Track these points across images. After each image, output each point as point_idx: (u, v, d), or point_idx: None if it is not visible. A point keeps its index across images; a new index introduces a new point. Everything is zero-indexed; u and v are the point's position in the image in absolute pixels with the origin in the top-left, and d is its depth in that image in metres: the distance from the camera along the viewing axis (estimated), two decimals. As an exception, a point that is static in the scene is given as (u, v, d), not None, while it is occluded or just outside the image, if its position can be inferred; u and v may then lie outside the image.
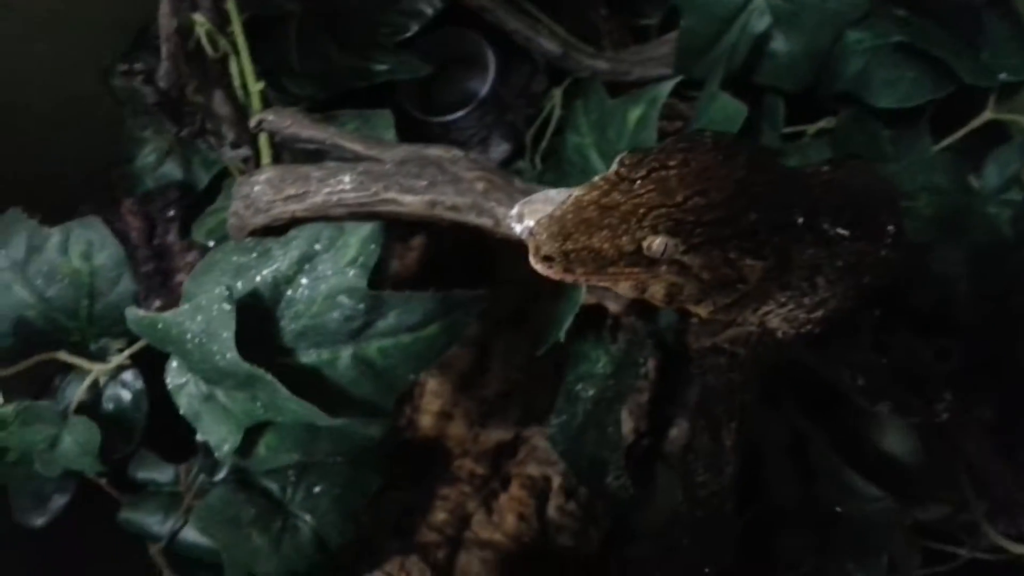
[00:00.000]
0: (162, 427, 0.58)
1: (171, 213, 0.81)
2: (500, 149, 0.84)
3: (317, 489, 0.61)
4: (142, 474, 0.67)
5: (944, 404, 0.49)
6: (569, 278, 0.36)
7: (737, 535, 0.54)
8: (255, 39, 0.67)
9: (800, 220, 0.37)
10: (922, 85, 0.56)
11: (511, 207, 0.43)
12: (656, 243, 0.34)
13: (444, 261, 0.72)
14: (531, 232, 0.35)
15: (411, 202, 0.44)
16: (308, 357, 0.50)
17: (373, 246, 0.47)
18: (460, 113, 0.82)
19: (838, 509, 0.49)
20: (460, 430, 0.70)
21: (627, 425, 0.62)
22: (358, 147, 0.46)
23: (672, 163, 0.35)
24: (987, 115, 0.56)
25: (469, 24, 0.81)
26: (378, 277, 0.48)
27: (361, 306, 0.48)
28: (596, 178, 0.36)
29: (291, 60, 0.72)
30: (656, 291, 0.37)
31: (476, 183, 0.44)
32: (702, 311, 0.39)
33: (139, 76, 0.50)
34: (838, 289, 0.40)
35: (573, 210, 0.35)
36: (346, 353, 0.50)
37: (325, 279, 0.48)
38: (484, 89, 0.83)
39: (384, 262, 0.67)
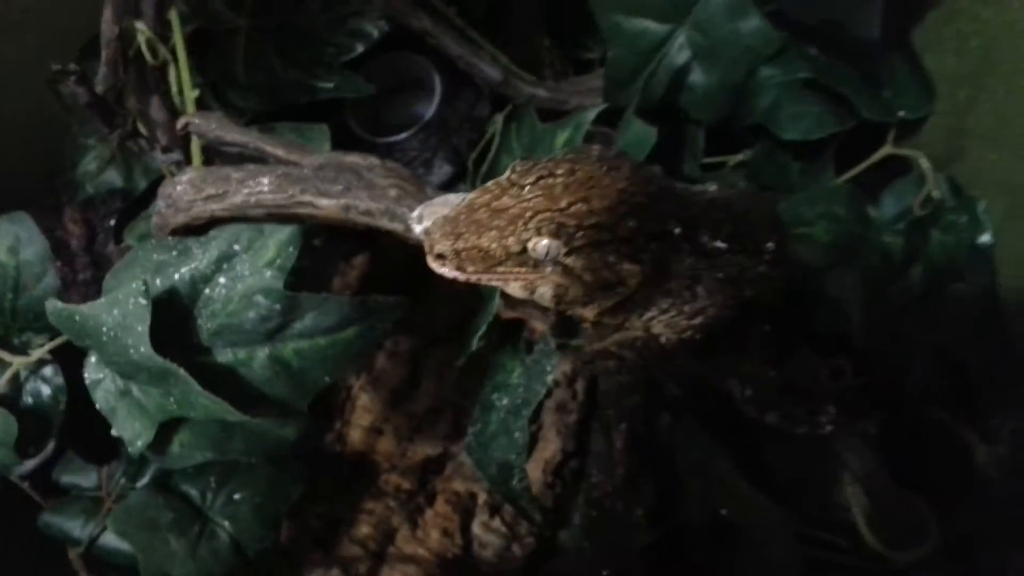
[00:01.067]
0: (87, 428, 0.59)
1: (112, 222, 0.82)
2: (443, 171, 0.86)
3: (237, 496, 0.62)
4: (65, 478, 0.68)
5: (828, 417, 0.51)
6: (462, 276, 0.38)
7: (647, 544, 0.56)
8: (202, 51, 0.69)
9: (677, 231, 0.40)
10: (825, 120, 0.59)
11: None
12: (540, 244, 0.37)
13: (384, 280, 0.74)
14: (427, 232, 0.38)
15: (326, 206, 0.46)
16: (224, 356, 0.51)
17: (291, 249, 0.49)
18: (404, 135, 0.85)
19: (723, 511, 0.51)
20: (389, 445, 0.72)
21: (553, 445, 0.64)
22: (279, 152, 0.48)
23: (559, 171, 0.38)
24: (886, 150, 0.60)
25: (417, 49, 0.84)
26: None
27: (277, 306, 0.50)
28: (489, 183, 0.38)
29: (237, 72, 0.74)
30: (544, 292, 0.39)
31: (389, 189, 0.46)
32: (589, 313, 0.41)
33: (72, 76, 0.51)
34: (717, 299, 0.43)
35: (466, 212, 0.37)
36: (262, 353, 0.51)
37: (242, 279, 0.49)
38: (429, 113, 0.86)
39: (327, 279, 0.69)
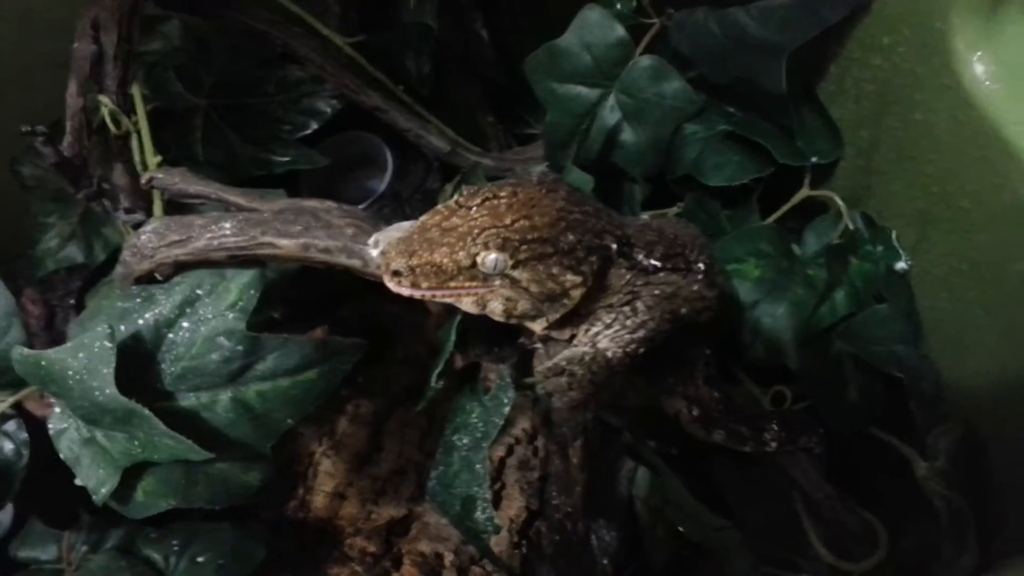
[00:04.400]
0: (48, 492, 0.59)
1: (72, 300, 0.84)
2: None
3: (201, 559, 0.61)
4: (23, 553, 0.67)
5: (772, 435, 0.55)
6: (417, 293, 0.41)
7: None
8: (161, 128, 0.73)
9: (614, 246, 0.44)
10: (746, 166, 0.65)
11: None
12: (488, 258, 0.40)
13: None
14: (383, 252, 0.41)
15: (286, 245, 0.49)
16: (187, 400, 0.53)
17: (253, 291, 0.51)
18: (359, 207, 0.88)
19: (680, 529, 0.53)
20: (353, 509, 0.72)
21: (517, 503, 0.65)
22: (240, 200, 0.51)
23: (503, 194, 0.42)
24: (804, 192, 0.65)
25: (368, 126, 0.89)
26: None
27: (240, 348, 0.52)
28: (438, 206, 0.42)
29: (195, 150, 0.78)
30: (495, 307, 0.42)
31: (346, 228, 0.49)
32: (538, 327, 0.44)
33: (41, 137, 0.54)
34: (656, 314, 0.46)
35: (418, 232, 0.41)
36: (224, 396, 0.53)
37: (205, 322, 0.51)
38: (382, 186, 0.90)
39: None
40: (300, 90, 0.85)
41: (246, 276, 0.52)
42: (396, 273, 0.41)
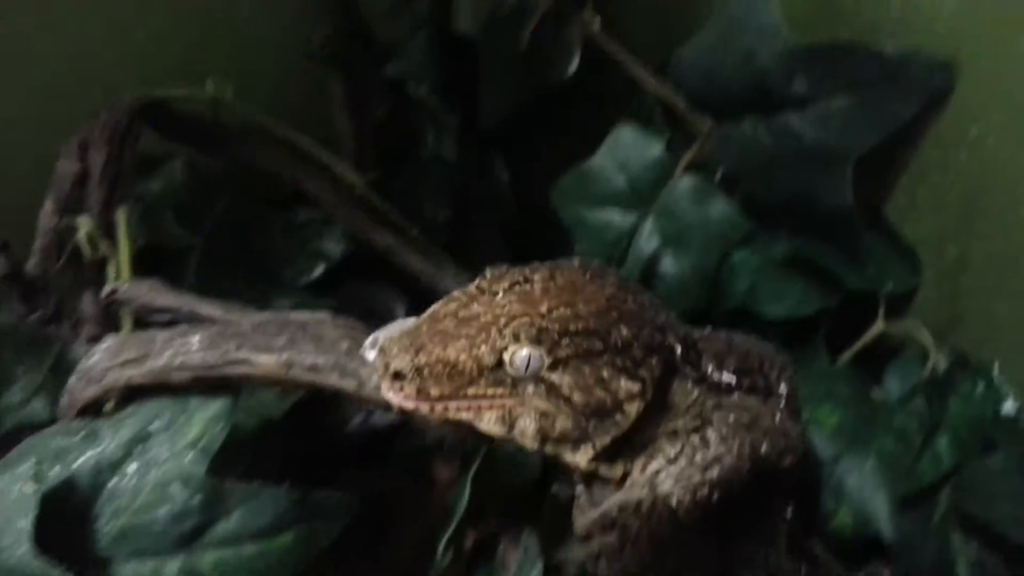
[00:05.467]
0: None
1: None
2: None
3: None
4: None
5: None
6: (424, 407, 0.31)
7: None
8: (150, 266, 0.66)
9: (678, 348, 0.34)
10: (810, 296, 0.56)
11: (372, 372, 0.39)
12: (519, 355, 0.31)
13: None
14: (381, 348, 0.31)
15: (265, 362, 0.39)
16: (126, 569, 0.41)
17: (220, 426, 0.41)
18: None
19: None
20: None
21: None
22: (216, 313, 0.43)
23: (536, 277, 0.33)
24: (879, 327, 0.56)
25: (378, 269, 0.82)
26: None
27: (197, 498, 0.41)
28: (454, 292, 0.33)
29: (187, 287, 0.70)
30: (526, 426, 0.32)
31: (340, 342, 0.40)
32: (582, 458, 0.34)
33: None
34: (733, 446, 0.36)
35: (428, 323, 0.32)
36: (173, 565, 0.41)
37: (157, 464, 0.41)
38: None
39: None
40: (308, 231, 0.78)
41: (213, 407, 0.42)
42: (397, 376, 0.31)
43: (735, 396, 0.36)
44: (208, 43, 0.72)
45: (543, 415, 0.32)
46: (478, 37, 0.67)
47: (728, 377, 0.36)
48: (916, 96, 0.48)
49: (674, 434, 0.35)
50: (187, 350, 0.40)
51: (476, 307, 0.32)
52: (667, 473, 0.35)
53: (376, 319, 0.83)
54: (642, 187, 0.61)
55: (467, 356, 0.31)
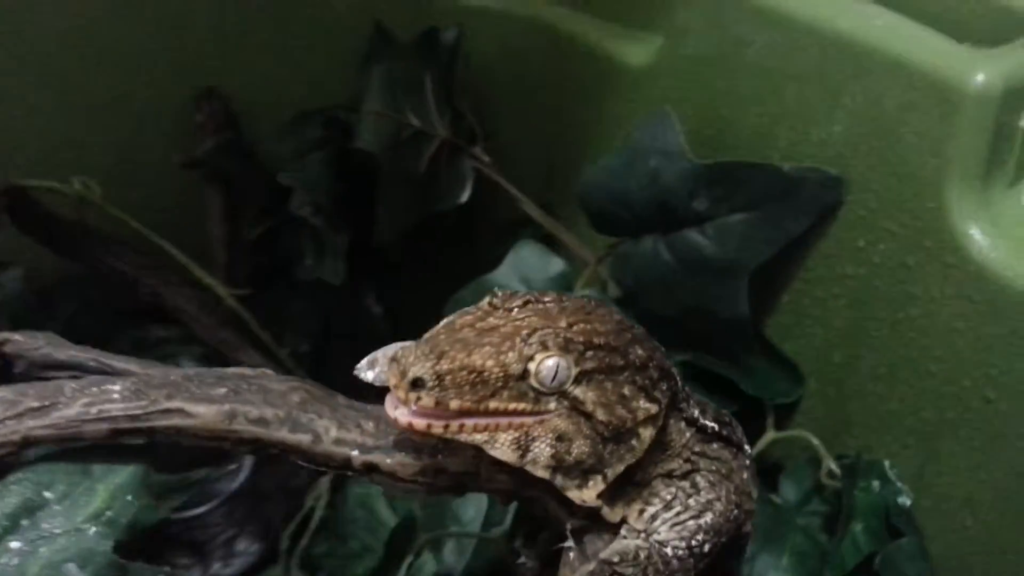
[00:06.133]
0: None
1: None
2: (249, 551, 0.73)
3: None
4: None
5: None
6: (439, 422, 0.29)
7: None
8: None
9: (680, 380, 0.34)
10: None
11: (334, 420, 0.35)
12: (546, 364, 0.29)
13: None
14: (395, 357, 0.29)
15: (204, 413, 0.34)
16: None
17: (129, 496, 0.35)
18: (204, 507, 0.73)
19: None
20: None
21: None
22: (133, 367, 0.37)
23: (547, 299, 0.32)
24: (770, 435, 0.59)
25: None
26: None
27: (97, 583, 0.33)
28: (466, 308, 0.31)
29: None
30: (540, 451, 0.30)
31: (291, 394, 0.36)
32: (591, 493, 0.32)
33: None
34: (721, 493, 0.35)
35: (446, 332, 0.30)
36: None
37: (49, 540, 0.34)
38: (235, 483, 0.75)
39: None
40: (162, 351, 0.72)
41: (121, 475, 0.36)
42: (416, 384, 0.29)
43: (715, 445, 0.36)
44: (82, 137, 0.68)
45: (560, 438, 0.30)
46: (379, 156, 0.68)
47: (711, 424, 0.36)
48: (809, 211, 0.53)
49: (669, 476, 0.34)
50: (106, 398, 0.34)
51: (493, 320, 0.31)
52: (663, 519, 0.34)
53: (217, 460, 0.76)
54: (544, 301, 0.62)
55: (494, 363, 0.29)
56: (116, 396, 0.34)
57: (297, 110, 0.75)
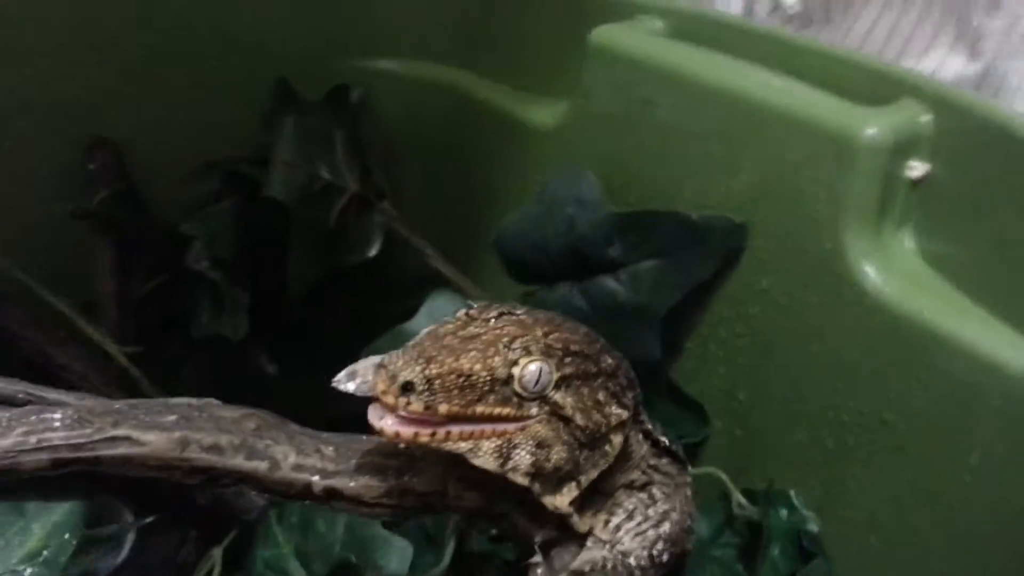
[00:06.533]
0: None
1: None
2: None
3: None
4: None
5: None
6: (426, 430, 0.29)
7: None
8: None
9: (639, 390, 0.35)
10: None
11: (292, 446, 0.34)
12: (530, 368, 0.30)
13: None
14: (383, 364, 0.29)
15: (154, 441, 0.33)
16: None
17: (67, 535, 0.33)
18: None
19: None
20: None
21: None
22: (67, 399, 0.35)
23: (519, 311, 0.33)
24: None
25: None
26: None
27: (30, 630, 0.30)
28: (444, 319, 0.32)
29: None
30: (520, 459, 0.31)
31: (244, 421, 0.35)
32: (564, 499, 0.32)
33: None
34: (675, 504, 0.37)
35: (430, 340, 0.30)
36: None
37: (-24, 585, 0.30)
38: (118, 558, 0.69)
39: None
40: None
41: (58, 512, 0.33)
42: (407, 388, 0.28)
43: (665, 460, 0.38)
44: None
45: (539, 445, 0.31)
46: (290, 207, 0.67)
47: (663, 438, 0.38)
48: (716, 256, 0.57)
49: (630, 487, 0.35)
50: (46, 427, 0.32)
51: (473, 329, 0.31)
52: (625, 530, 0.35)
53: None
54: (460, 349, 0.63)
55: (481, 366, 0.30)
56: (57, 424, 0.32)
57: (192, 162, 0.74)
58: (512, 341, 0.31)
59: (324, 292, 0.74)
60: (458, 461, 0.35)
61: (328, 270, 0.71)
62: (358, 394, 0.32)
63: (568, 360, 0.32)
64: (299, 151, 0.69)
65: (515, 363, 0.31)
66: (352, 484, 0.34)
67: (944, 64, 0.80)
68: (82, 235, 0.70)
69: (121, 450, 0.32)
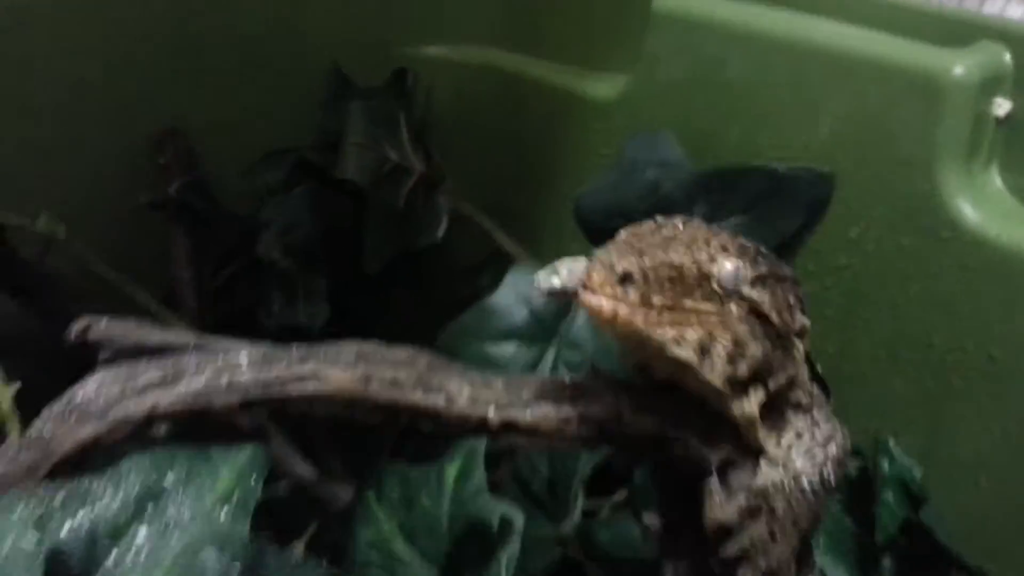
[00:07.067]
0: None
1: None
2: None
3: None
4: None
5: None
6: (639, 318, 0.30)
7: None
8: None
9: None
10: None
11: (462, 386, 0.35)
12: (726, 267, 0.31)
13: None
14: (597, 256, 0.30)
15: (339, 377, 0.33)
16: None
17: (255, 475, 0.33)
18: None
19: None
20: None
21: None
22: (237, 347, 0.35)
23: (696, 223, 0.34)
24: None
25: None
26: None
27: (235, 568, 0.31)
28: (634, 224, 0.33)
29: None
30: (718, 354, 0.32)
31: (417, 359, 0.35)
32: (752, 404, 0.33)
33: None
34: (836, 425, 0.37)
35: (634, 238, 0.31)
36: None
37: (180, 526, 0.30)
38: None
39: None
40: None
41: (242, 454, 0.33)
42: (625, 278, 0.29)
43: (815, 386, 0.38)
44: (43, 176, 0.64)
45: (736, 343, 0.32)
46: (365, 188, 0.68)
47: (816, 364, 0.38)
48: (802, 207, 0.58)
49: (798, 407, 0.36)
50: (235, 367, 0.32)
51: (667, 232, 0.32)
52: (797, 450, 0.35)
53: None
54: (546, 320, 0.63)
55: (690, 260, 0.31)
56: (244, 364, 0.32)
57: (251, 152, 0.74)
58: (708, 241, 0.32)
59: (393, 276, 0.74)
60: (629, 388, 0.35)
61: (398, 253, 0.71)
62: (569, 287, 0.33)
63: (760, 259, 0.33)
64: (368, 133, 0.70)
65: (713, 260, 0.31)
66: (528, 415, 0.34)
67: (1005, 10, 0.81)
68: (155, 230, 0.70)
69: (309, 387, 0.33)
